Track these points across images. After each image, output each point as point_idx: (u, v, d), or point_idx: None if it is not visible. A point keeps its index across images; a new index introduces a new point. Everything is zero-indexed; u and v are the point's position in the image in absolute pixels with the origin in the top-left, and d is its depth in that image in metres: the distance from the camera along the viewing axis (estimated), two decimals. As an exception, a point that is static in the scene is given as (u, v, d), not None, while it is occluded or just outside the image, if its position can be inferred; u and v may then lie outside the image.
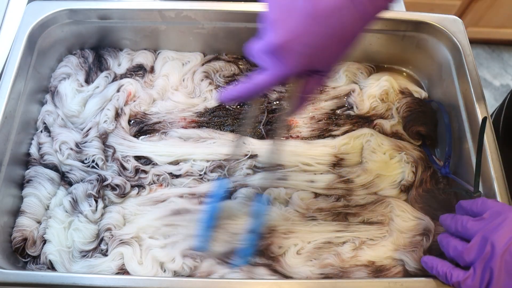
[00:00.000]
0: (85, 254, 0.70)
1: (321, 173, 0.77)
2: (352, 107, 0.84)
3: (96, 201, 0.72)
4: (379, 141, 0.79)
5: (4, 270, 0.63)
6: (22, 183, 0.75)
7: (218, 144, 0.78)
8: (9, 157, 0.72)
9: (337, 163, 0.78)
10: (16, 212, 0.73)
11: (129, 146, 0.78)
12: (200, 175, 0.76)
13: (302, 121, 0.83)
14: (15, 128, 0.74)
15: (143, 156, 0.77)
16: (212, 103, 0.84)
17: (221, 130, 0.81)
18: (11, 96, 0.73)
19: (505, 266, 0.50)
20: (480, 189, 0.69)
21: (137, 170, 0.76)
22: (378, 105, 0.84)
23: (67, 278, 0.62)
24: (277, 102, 0.85)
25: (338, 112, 0.84)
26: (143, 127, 0.81)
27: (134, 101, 0.82)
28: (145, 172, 0.76)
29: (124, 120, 0.80)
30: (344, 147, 0.79)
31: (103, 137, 0.77)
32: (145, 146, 0.78)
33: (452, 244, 0.57)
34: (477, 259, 0.52)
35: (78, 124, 0.80)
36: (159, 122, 0.81)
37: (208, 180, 0.76)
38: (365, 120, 0.83)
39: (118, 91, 0.82)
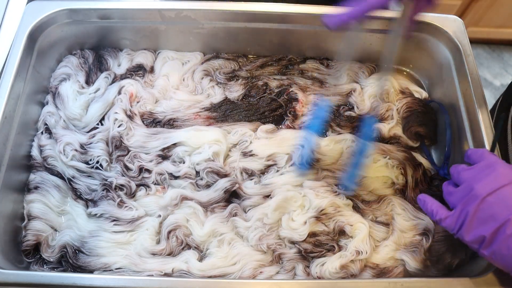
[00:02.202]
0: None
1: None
2: (352, 107, 0.84)
3: (126, 203, 0.74)
4: None
5: (4, 270, 0.63)
6: (22, 186, 0.75)
7: (241, 133, 0.79)
8: (9, 159, 0.72)
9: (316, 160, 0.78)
10: (16, 215, 0.73)
11: (159, 138, 0.78)
12: (197, 173, 0.77)
13: (307, 109, 0.83)
14: (14, 128, 0.73)
15: (172, 145, 0.77)
16: (217, 98, 0.84)
17: (237, 121, 0.82)
18: (10, 96, 0.73)
19: (479, 213, 0.54)
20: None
21: (140, 170, 0.76)
22: (378, 104, 0.84)
23: (67, 278, 0.62)
24: (279, 88, 0.85)
25: (340, 111, 0.84)
26: (155, 125, 0.81)
27: (138, 101, 0.82)
28: (149, 171, 0.76)
29: (138, 119, 0.80)
30: (325, 148, 0.78)
31: (115, 140, 0.77)
32: (179, 133, 0.78)
33: (446, 189, 0.62)
34: (459, 203, 0.57)
35: (80, 128, 0.80)
36: (174, 119, 0.81)
37: (205, 185, 0.76)
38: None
39: (119, 93, 0.82)
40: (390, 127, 0.82)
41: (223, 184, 0.74)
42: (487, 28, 2.03)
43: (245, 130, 0.80)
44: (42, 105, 0.82)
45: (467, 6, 1.89)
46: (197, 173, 0.77)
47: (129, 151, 0.77)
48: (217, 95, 0.84)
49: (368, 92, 0.85)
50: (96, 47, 0.88)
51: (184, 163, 0.77)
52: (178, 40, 0.87)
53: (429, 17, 0.82)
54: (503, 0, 1.84)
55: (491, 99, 2.05)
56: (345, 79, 0.87)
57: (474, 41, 2.12)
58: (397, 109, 0.84)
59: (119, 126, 0.78)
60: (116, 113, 0.79)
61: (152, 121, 0.81)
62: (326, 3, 0.81)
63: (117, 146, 0.77)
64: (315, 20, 0.82)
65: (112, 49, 0.88)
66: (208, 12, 0.81)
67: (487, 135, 0.71)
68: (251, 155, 0.77)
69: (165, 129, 0.79)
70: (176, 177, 0.76)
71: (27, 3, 0.85)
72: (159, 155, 0.77)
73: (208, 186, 0.76)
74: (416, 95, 0.86)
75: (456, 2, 1.86)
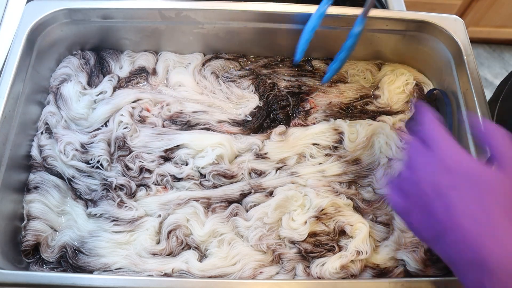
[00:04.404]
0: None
1: (326, 162, 0.78)
2: (376, 99, 0.86)
3: (126, 203, 0.74)
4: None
5: (4, 271, 0.62)
6: (22, 186, 0.75)
7: (250, 142, 0.79)
8: (8, 159, 0.71)
9: (337, 140, 0.79)
10: (16, 215, 0.73)
11: (163, 139, 0.77)
12: (201, 175, 0.76)
13: (320, 107, 0.84)
14: (14, 128, 0.73)
15: (175, 147, 0.77)
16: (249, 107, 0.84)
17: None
18: (10, 96, 0.72)
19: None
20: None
21: (141, 170, 0.76)
22: (400, 98, 0.86)
23: (66, 279, 0.62)
24: (287, 89, 0.86)
25: (356, 104, 0.85)
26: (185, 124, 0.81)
27: (162, 106, 0.81)
28: (150, 171, 0.76)
29: (147, 121, 0.80)
30: (349, 129, 0.80)
31: (119, 141, 0.77)
32: (183, 135, 0.78)
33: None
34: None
35: (84, 127, 0.79)
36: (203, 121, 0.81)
37: (211, 187, 0.76)
38: (384, 114, 0.84)
39: (134, 102, 0.81)
40: (393, 121, 0.84)
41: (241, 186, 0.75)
42: (488, 28, 2.04)
43: (253, 140, 0.79)
44: (42, 105, 0.82)
45: (468, 6, 1.89)
46: (201, 175, 0.77)
47: (131, 151, 0.77)
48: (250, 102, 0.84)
49: (392, 87, 0.87)
50: (96, 47, 0.88)
51: (187, 165, 0.77)
52: (178, 40, 0.87)
53: (429, 16, 0.81)
54: (503, 0, 1.84)
55: (491, 99, 2.05)
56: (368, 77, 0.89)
57: (474, 41, 2.13)
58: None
59: (124, 128, 0.78)
60: (122, 115, 0.79)
61: (178, 122, 0.81)
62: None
63: (120, 147, 0.77)
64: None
65: (113, 51, 0.87)
66: (208, 12, 0.81)
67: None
68: (264, 158, 0.78)
69: (169, 130, 0.79)
70: (179, 179, 0.76)
71: (27, 3, 0.85)
72: (161, 156, 0.77)
73: (215, 187, 0.76)
74: (425, 86, 0.88)
75: (456, 2, 1.86)
